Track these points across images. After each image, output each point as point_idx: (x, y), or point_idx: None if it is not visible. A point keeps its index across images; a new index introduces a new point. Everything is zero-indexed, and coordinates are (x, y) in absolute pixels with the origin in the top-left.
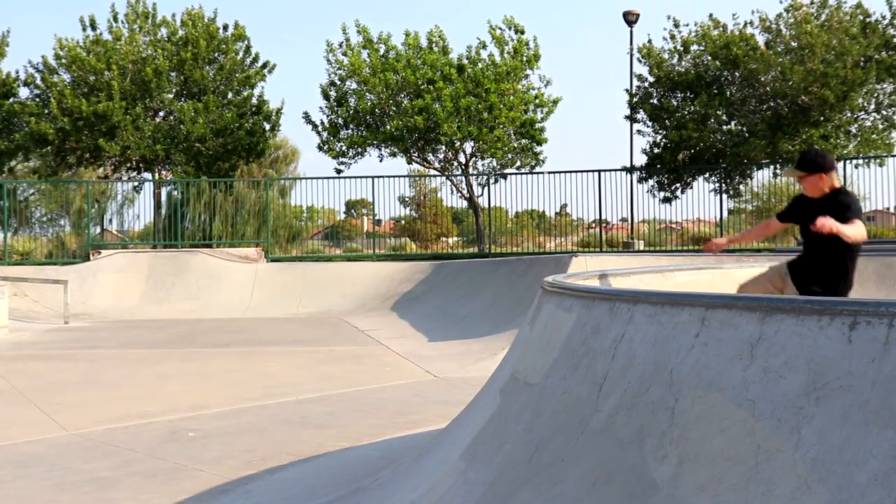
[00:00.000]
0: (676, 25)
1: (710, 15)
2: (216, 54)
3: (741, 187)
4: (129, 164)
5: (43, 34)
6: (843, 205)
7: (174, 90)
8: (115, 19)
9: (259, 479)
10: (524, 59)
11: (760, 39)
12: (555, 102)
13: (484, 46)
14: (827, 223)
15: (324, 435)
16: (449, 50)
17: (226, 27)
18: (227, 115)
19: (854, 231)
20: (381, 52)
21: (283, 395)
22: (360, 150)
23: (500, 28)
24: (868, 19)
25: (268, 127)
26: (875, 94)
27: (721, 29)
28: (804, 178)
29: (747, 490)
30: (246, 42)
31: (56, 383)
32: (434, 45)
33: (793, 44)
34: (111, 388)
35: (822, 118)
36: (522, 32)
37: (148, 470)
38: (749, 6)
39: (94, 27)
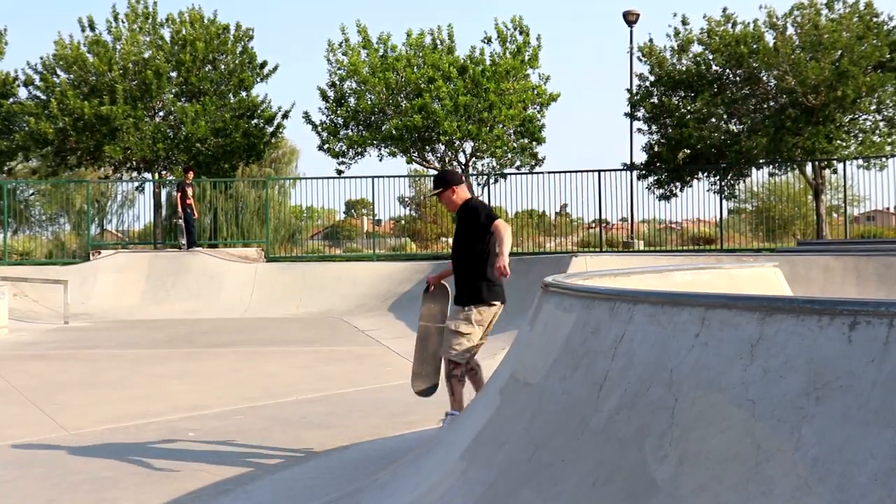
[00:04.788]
0: (685, 22)
1: (724, 9)
2: (217, 55)
3: (737, 187)
4: (129, 165)
5: (42, 36)
6: (474, 210)
7: (174, 90)
8: (116, 19)
9: (259, 479)
10: (525, 59)
11: (768, 37)
12: (553, 98)
13: (489, 41)
14: (504, 266)
15: (324, 435)
16: (454, 49)
17: (227, 28)
18: (227, 115)
19: (507, 240)
20: (381, 52)
21: (283, 395)
22: (359, 150)
23: (506, 26)
24: (875, 20)
25: (269, 129)
26: (880, 98)
27: (730, 25)
28: (440, 194)
29: (747, 490)
30: (246, 43)
31: (56, 383)
32: (440, 43)
33: (796, 41)
34: (111, 388)
35: (826, 118)
36: (527, 34)
37: (148, 470)
38: (753, 4)
39: (92, 28)
